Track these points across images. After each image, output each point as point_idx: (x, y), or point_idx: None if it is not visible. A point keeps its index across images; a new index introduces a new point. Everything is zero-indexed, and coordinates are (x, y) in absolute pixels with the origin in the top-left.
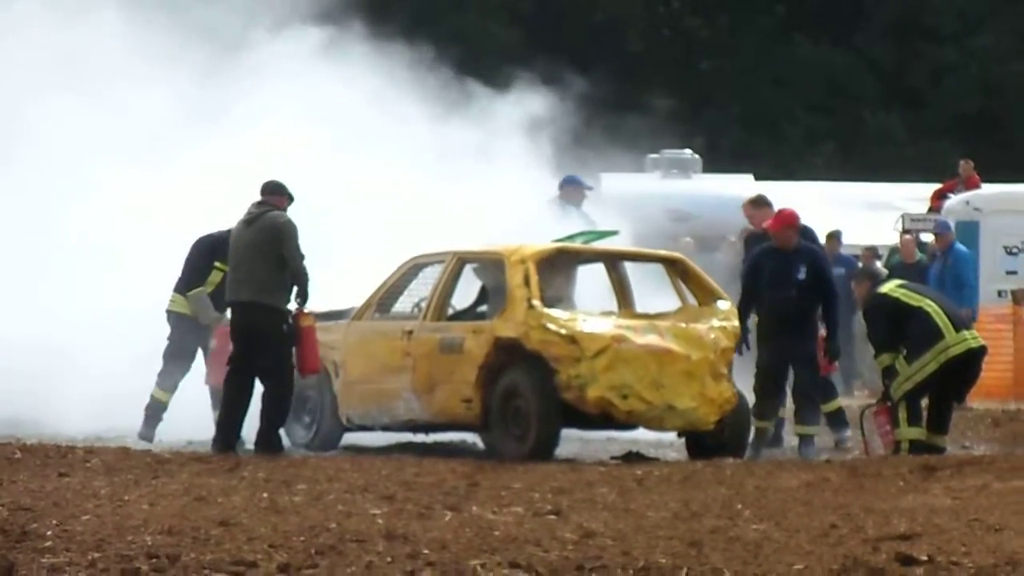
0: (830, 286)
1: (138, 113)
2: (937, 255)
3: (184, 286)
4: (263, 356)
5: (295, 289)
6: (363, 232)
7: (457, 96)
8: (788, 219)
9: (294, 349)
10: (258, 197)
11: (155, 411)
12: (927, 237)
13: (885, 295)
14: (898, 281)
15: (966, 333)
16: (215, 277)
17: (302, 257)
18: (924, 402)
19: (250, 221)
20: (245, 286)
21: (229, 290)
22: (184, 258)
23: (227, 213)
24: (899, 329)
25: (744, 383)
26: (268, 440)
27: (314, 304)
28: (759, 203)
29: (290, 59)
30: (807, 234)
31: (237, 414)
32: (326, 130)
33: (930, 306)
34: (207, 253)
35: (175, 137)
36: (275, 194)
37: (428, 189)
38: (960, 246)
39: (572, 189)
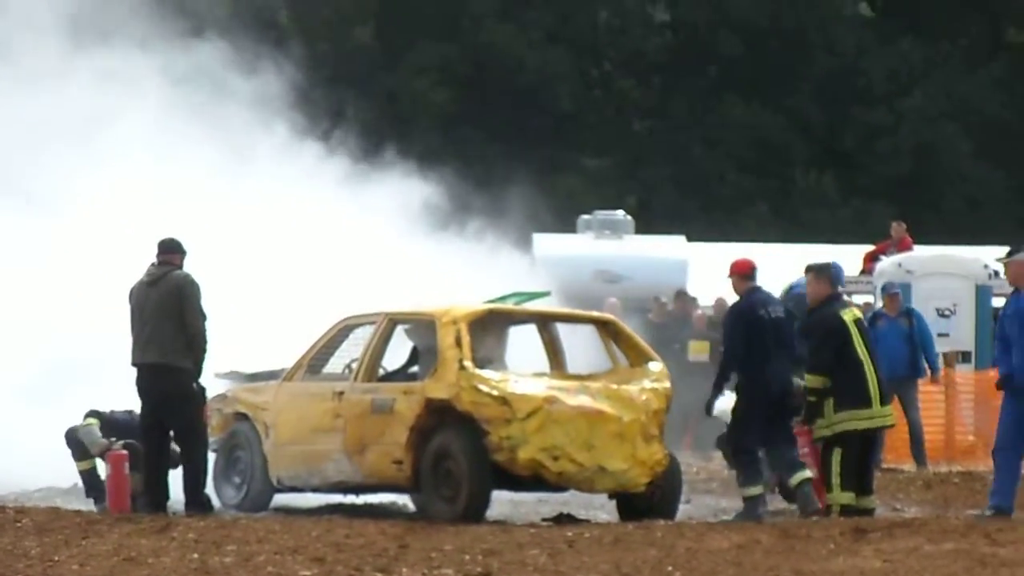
0: (724, 343)
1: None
2: (883, 317)
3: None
4: (174, 417)
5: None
6: (291, 293)
7: (385, 159)
8: (731, 267)
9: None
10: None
11: (90, 480)
12: (859, 299)
13: (846, 327)
14: (858, 315)
15: (888, 408)
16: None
17: (204, 318)
18: None
19: (153, 282)
20: (152, 348)
21: (135, 352)
22: None
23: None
24: (837, 361)
25: None
26: (197, 500)
27: (243, 365)
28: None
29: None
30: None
31: (161, 474)
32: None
33: (869, 369)
34: (108, 425)
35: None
36: (173, 252)
37: (352, 251)
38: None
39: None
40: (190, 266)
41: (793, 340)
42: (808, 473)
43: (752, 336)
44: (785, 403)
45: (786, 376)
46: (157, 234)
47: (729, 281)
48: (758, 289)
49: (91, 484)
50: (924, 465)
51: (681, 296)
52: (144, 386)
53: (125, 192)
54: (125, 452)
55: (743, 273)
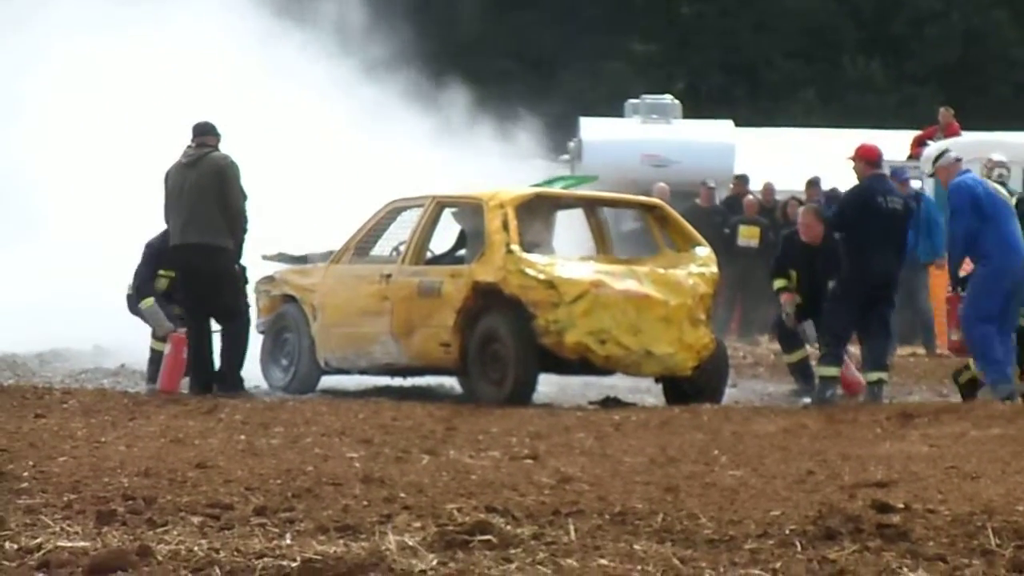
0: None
1: (61, 44)
2: None
3: (137, 295)
4: (215, 297)
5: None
6: (340, 176)
7: (430, 49)
8: (857, 151)
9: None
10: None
11: (159, 361)
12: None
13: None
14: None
15: None
16: (161, 284)
17: (244, 198)
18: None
19: (191, 163)
20: (191, 228)
21: (174, 234)
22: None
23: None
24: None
25: None
26: (230, 380)
27: (290, 247)
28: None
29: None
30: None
31: (205, 355)
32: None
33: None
34: (151, 260)
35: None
36: (208, 134)
37: (400, 139)
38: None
39: None
40: (238, 148)
41: (904, 234)
42: (883, 375)
43: (864, 222)
44: (884, 295)
45: (890, 267)
46: (192, 118)
47: (850, 164)
48: (882, 177)
49: (159, 365)
50: (933, 352)
51: (740, 180)
52: (184, 266)
53: (162, 74)
54: (185, 336)
55: (869, 159)
